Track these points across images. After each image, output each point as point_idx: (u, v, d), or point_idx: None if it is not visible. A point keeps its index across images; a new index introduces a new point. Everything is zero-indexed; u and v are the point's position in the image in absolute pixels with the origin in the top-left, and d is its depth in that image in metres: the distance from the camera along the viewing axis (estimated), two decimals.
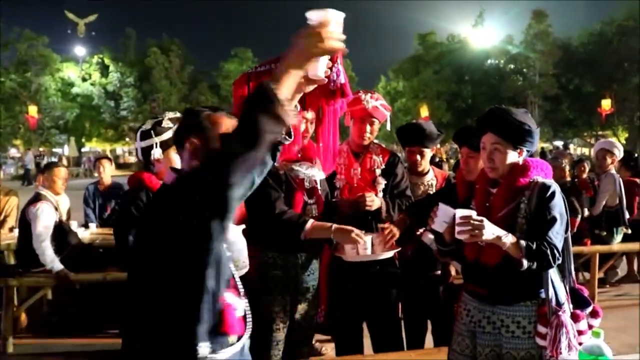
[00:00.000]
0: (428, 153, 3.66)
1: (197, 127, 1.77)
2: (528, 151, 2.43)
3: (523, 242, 2.21)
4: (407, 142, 3.65)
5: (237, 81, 3.23)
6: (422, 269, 3.62)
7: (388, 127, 3.51)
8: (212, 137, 1.73)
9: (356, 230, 2.76)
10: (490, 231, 2.19)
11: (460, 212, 2.24)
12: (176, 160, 2.71)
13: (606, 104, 28.48)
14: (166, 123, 2.76)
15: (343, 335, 3.46)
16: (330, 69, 2.90)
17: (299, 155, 3.01)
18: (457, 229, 2.22)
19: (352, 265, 3.09)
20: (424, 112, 31.35)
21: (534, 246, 2.21)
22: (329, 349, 4.13)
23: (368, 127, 3.34)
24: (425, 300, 3.67)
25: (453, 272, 3.79)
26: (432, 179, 3.71)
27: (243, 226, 2.56)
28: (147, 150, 2.75)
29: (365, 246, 2.81)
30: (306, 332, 3.09)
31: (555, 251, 2.23)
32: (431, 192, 3.67)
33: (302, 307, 3.00)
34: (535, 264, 2.21)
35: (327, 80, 1.79)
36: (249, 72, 3.18)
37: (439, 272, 3.73)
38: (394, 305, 3.45)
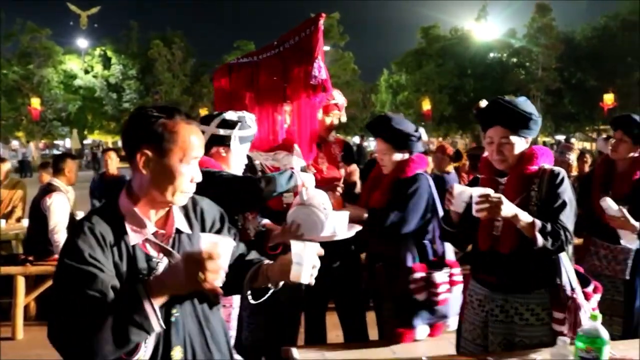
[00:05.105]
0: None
1: (150, 136, 1.57)
2: (531, 138, 2.44)
3: (538, 221, 2.22)
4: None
5: (217, 72, 3.26)
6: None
7: (344, 119, 3.66)
8: (167, 148, 1.57)
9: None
10: (508, 208, 2.18)
11: (477, 191, 2.23)
12: (235, 161, 2.69)
13: (609, 99, 28.33)
14: (250, 122, 2.69)
15: (310, 315, 3.56)
16: (312, 65, 3.05)
17: (277, 145, 3.16)
18: (475, 207, 2.20)
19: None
20: (426, 105, 31.31)
21: (549, 226, 2.23)
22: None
23: (334, 119, 3.56)
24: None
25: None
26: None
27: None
28: (218, 139, 2.63)
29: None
30: (293, 313, 3.28)
31: (567, 233, 2.25)
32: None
33: (286, 290, 3.12)
34: (549, 242, 2.21)
35: None
36: (231, 62, 3.26)
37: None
38: (355, 286, 3.47)
